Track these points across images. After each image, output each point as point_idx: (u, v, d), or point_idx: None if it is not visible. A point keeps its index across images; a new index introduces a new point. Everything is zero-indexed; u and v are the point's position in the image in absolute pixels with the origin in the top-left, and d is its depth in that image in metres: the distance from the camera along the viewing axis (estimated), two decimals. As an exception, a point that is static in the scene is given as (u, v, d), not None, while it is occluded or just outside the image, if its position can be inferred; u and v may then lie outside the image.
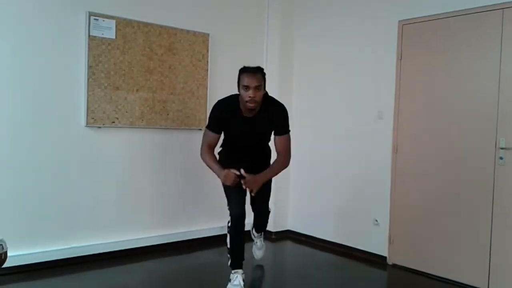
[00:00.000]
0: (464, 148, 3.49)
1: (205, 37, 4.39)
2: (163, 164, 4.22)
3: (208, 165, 3.15)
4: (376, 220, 4.07)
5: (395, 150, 3.94)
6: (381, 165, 4.03)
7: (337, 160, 4.46)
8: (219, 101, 3.18)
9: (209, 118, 3.21)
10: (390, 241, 3.97)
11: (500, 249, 3.27)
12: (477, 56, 3.43)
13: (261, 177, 3.09)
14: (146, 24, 4.00)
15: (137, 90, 3.96)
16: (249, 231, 3.73)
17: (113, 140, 3.91)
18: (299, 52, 4.91)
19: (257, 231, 3.82)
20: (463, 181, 3.49)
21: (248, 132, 3.14)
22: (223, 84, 4.53)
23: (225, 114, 3.10)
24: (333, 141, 4.50)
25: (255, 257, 3.85)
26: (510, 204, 3.23)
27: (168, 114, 4.17)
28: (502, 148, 3.27)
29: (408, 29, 3.86)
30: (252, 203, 3.55)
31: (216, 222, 4.37)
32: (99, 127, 3.80)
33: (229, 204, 3.21)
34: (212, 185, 4.19)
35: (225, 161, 3.22)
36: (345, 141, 4.39)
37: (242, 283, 3.11)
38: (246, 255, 3.27)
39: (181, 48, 4.23)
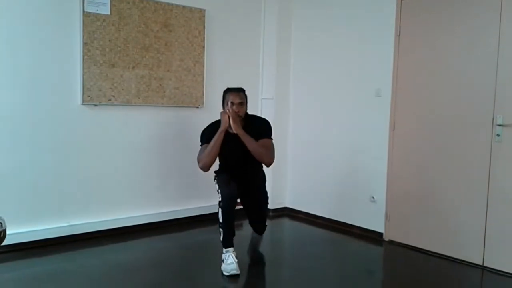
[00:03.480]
0: (462, 125, 3.49)
1: (201, 13, 4.32)
2: (160, 142, 4.21)
3: (211, 148, 3.28)
4: (373, 197, 4.10)
5: (393, 127, 3.94)
6: (378, 143, 4.03)
7: (334, 137, 4.45)
8: (208, 125, 3.52)
9: (201, 137, 3.48)
10: (387, 217, 4.00)
11: (495, 226, 3.31)
12: (475, 33, 3.40)
13: (240, 128, 3.27)
14: (141, 0, 3.93)
15: (133, 68, 3.92)
16: (240, 209, 3.76)
17: (110, 118, 3.89)
18: (297, 28, 4.85)
19: (259, 234, 3.93)
20: (460, 158, 3.50)
21: (236, 148, 3.31)
22: (219, 61, 4.50)
23: (215, 132, 3.32)
24: (331, 119, 4.49)
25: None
26: (506, 181, 3.25)
27: (164, 92, 4.14)
28: (499, 125, 3.27)
29: (407, 4, 3.82)
30: (249, 208, 3.72)
31: (213, 199, 4.37)
32: (95, 105, 3.77)
33: (220, 189, 3.32)
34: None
35: (220, 173, 3.49)
36: (343, 119, 4.38)
37: (235, 260, 3.12)
38: (243, 230, 3.29)
39: (177, 25, 4.17)
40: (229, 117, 3.26)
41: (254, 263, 3.52)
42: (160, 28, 4.07)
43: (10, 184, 3.44)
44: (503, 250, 3.28)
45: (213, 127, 3.40)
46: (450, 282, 3.25)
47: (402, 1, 3.84)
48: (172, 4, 4.12)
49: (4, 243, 2.64)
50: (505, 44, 3.24)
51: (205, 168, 3.35)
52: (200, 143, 3.45)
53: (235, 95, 3.38)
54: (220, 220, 3.24)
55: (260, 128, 3.46)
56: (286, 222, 4.70)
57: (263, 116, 3.82)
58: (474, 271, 3.37)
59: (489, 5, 3.32)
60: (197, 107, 4.37)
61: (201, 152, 3.39)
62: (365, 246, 3.98)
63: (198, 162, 3.37)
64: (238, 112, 3.33)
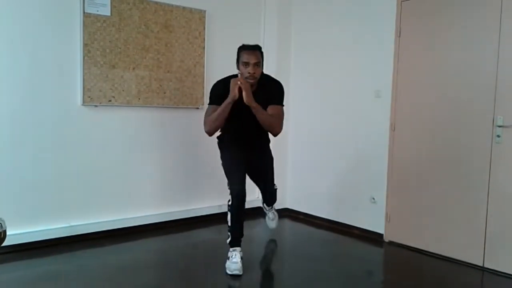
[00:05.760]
0: (462, 126, 3.49)
1: (201, 14, 4.33)
2: (161, 143, 4.21)
3: (217, 118, 3.10)
4: (373, 198, 4.10)
5: (393, 128, 3.94)
6: (378, 143, 4.03)
7: (335, 138, 4.46)
8: (218, 81, 3.26)
9: (210, 95, 3.26)
10: (387, 218, 4.00)
11: (495, 227, 3.30)
12: (476, 33, 3.40)
13: (253, 101, 3.05)
14: (142, 1, 3.94)
15: (133, 68, 3.93)
16: (250, 208, 3.79)
17: (110, 119, 3.89)
18: (297, 29, 4.86)
19: (267, 205, 4.05)
20: (460, 159, 3.50)
21: (246, 109, 3.09)
22: (220, 62, 4.49)
23: (225, 91, 3.10)
24: (331, 119, 4.50)
25: (269, 227, 4.14)
26: (506, 182, 3.25)
27: (165, 93, 4.15)
28: (499, 126, 3.27)
29: (407, 6, 3.82)
30: (257, 183, 3.70)
31: (214, 200, 4.40)
32: (96, 106, 3.78)
33: (229, 181, 3.22)
34: (210, 163, 4.21)
35: (225, 147, 3.35)
36: (343, 119, 4.38)
37: (240, 260, 3.14)
38: (245, 232, 3.29)
39: (178, 25, 4.18)
40: (240, 88, 3.01)
41: (255, 264, 3.51)
42: (160, 29, 4.07)
43: (11, 184, 3.44)
44: (503, 251, 3.27)
45: (224, 85, 3.13)
46: (450, 283, 3.24)
47: (402, 2, 3.84)
48: (172, 5, 4.12)
49: (4, 243, 2.65)
50: (505, 44, 3.24)
51: (210, 134, 3.21)
52: (208, 101, 3.28)
53: (251, 54, 3.09)
54: (229, 224, 3.21)
55: (272, 91, 3.24)
56: (286, 223, 4.70)
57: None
58: (474, 272, 3.37)
59: (489, 7, 3.32)
60: (198, 108, 4.37)
61: (207, 114, 3.19)
62: (365, 247, 3.98)
63: (204, 124, 3.18)
64: (254, 73, 3.07)
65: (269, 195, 3.92)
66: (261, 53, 3.17)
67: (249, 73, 3.06)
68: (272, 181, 3.79)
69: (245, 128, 3.29)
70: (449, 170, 3.56)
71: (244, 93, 3.01)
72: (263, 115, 3.10)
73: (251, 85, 3.10)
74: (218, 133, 3.37)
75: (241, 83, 3.02)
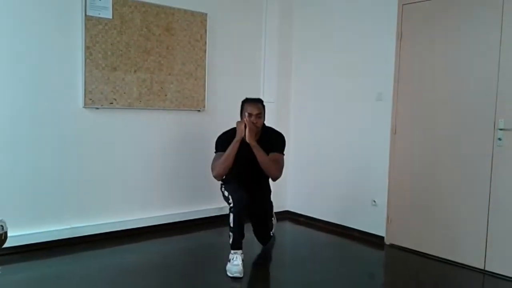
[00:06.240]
0: (463, 129, 3.49)
1: (203, 17, 4.34)
2: (162, 145, 4.21)
3: (226, 158, 3.30)
4: (374, 201, 4.10)
5: (394, 131, 3.94)
6: (379, 146, 4.03)
7: (336, 141, 4.46)
8: (223, 132, 3.53)
9: (216, 145, 3.49)
10: (388, 221, 4.00)
11: (497, 230, 3.30)
12: (477, 36, 3.40)
13: (254, 140, 3.31)
14: (143, 4, 3.95)
15: (134, 71, 3.93)
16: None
17: (111, 121, 3.90)
18: (298, 32, 4.87)
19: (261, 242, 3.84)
20: (461, 162, 3.49)
21: (247, 157, 3.30)
22: (221, 65, 4.51)
23: (231, 139, 3.34)
24: (332, 123, 4.50)
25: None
26: (508, 185, 3.24)
27: (166, 95, 4.15)
28: (500, 129, 3.27)
29: (408, 9, 3.82)
30: (253, 224, 3.70)
31: (215, 202, 4.39)
32: (97, 108, 3.78)
33: (230, 194, 3.34)
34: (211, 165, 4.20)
35: (229, 183, 3.45)
36: (344, 123, 4.38)
37: (241, 263, 3.15)
38: (245, 234, 3.30)
39: (179, 28, 4.19)
40: (245, 126, 3.28)
41: (256, 266, 3.51)
42: (162, 32, 4.08)
43: (12, 186, 3.44)
44: (504, 255, 3.27)
45: (228, 135, 3.42)
46: (451, 286, 3.24)
47: (404, 5, 3.85)
48: (174, 8, 4.13)
49: (5, 245, 2.66)
50: (506, 47, 3.24)
51: (219, 176, 3.39)
52: (214, 151, 3.48)
53: (253, 106, 3.41)
54: (231, 225, 3.24)
55: (273, 141, 3.50)
56: (287, 225, 4.70)
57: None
58: (475, 276, 3.36)
59: (490, 10, 3.32)
60: (199, 111, 4.38)
61: (215, 160, 3.41)
62: (366, 249, 3.98)
63: (212, 170, 3.38)
64: (256, 123, 3.36)
65: (265, 237, 3.79)
66: (263, 106, 3.48)
67: (252, 123, 3.32)
68: (270, 214, 3.86)
69: (248, 173, 3.45)
70: (450, 173, 3.56)
71: (247, 131, 3.27)
72: (262, 156, 3.31)
73: (255, 134, 3.33)
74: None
75: (247, 121, 3.31)
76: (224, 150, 3.35)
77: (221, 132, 3.55)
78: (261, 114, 3.43)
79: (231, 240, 3.25)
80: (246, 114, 3.38)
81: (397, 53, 3.90)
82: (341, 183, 4.41)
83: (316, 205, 4.67)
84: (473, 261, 3.43)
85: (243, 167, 3.42)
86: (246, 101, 3.48)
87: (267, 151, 3.36)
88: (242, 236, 3.26)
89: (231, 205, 3.26)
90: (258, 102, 3.47)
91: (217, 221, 4.32)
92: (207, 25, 4.37)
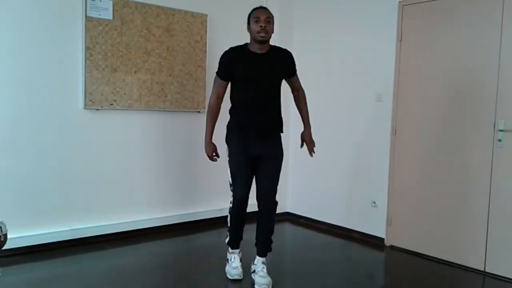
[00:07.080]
0: (463, 130, 3.49)
1: (203, 18, 4.34)
2: (162, 146, 4.21)
3: (206, 122, 3.11)
4: (374, 202, 4.09)
5: (394, 131, 3.94)
6: (380, 147, 4.03)
7: (336, 142, 4.45)
8: (230, 48, 3.14)
9: (219, 64, 3.12)
10: (388, 222, 4.00)
11: (497, 232, 3.30)
12: (477, 37, 3.40)
13: (309, 130, 3.34)
14: (144, 5, 3.95)
15: (135, 72, 3.94)
16: (251, 212, 3.36)
17: (112, 122, 3.90)
18: (299, 33, 4.87)
19: (260, 250, 3.19)
20: (462, 164, 3.49)
21: (259, 69, 2.99)
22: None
23: (235, 55, 3.04)
24: (332, 124, 4.50)
25: (259, 285, 3.00)
26: (508, 186, 3.24)
27: (166, 96, 4.15)
28: (500, 131, 3.27)
29: (408, 9, 3.82)
30: (257, 184, 3.15)
31: (215, 204, 4.39)
32: (97, 109, 3.78)
33: (233, 184, 3.06)
34: (211, 167, 4.18)
35: (233, 141, 3.10)
36: (344, 124, 4.39)
37: (239, 264, 3.13)
38: (244, 236, 3.27)
39: (179, 29, 4.19)
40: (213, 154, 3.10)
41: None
42: (162, 33, 4.08)
43: (12, 188, 3.44)
44: (505, 256, 3.27)
45: (234, 54, 3.06)
46: None
47: (404, 6, 3.85)
48: (174, 9, 4.14)
49: (5, 247, 2.65)
50: (506, 48, 3.24)
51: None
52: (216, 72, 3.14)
53: (262, 11, 2.99)
54: (228, 225, 3.18)
55: (286, 61, 3.13)
56: (287, 227, 4.70)
57: None
58: (476, 277, 3.36)
59: (490, 10, 3.32)
60: (199, 112, 4.38)
61: (213, 86, 3.12)
62: (366, 251, 3.97)
63: (209, 103, 3.15)
64: (265, 27, 2.92)
65: (268, 215, 3.14)
66: (272, 15, 3.06)
67: (260, 26, 2.92)
68: (274, 186, 3.13)
69: (258, 94, 3.04)
70: (450, 175, 3.56)
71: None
72: (308, 114, 3.38)
73: (263, 46, 3.00)
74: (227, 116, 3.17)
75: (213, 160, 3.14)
76: (223, 76, 3.04)
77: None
78: (270, 19, 2.97)
79: (227, 238, 3.21)
80: (254, 20, 2.97)
81: (397, 54, 3.90)
82: (341, 184, 4.41)
83: (316, 206, 4.67)
84: (474, 263, 3.42)
85: (253, 86, 3.01)
86: (254, 8, 3.07)
87: (278, 65, 3.05)
88: (240, 236, 3.22)
89: (231, 204, 3.09)
90: (267, 9, 3.05)
91: (217, 222, 4.31)
92: (207, 26, 4.37)
